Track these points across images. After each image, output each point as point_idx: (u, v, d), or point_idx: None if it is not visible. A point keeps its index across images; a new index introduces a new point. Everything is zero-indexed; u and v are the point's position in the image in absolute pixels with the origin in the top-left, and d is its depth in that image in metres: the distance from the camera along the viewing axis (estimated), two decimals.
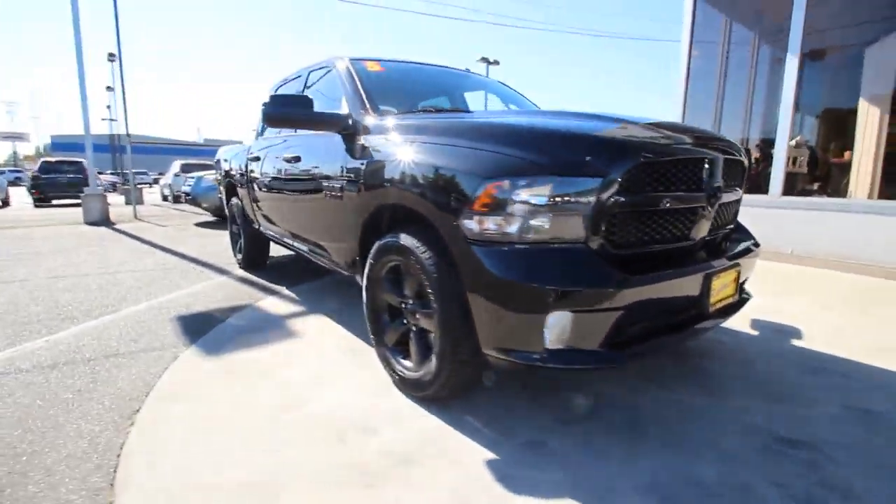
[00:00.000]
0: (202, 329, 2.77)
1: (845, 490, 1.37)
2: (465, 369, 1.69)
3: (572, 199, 1.41)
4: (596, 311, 1.41)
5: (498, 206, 1.45)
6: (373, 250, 2.02)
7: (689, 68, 5.65)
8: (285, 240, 3.39)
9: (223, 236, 6.90)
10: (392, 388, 2.01)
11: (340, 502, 1.34)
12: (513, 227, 1.45)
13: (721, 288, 1.71)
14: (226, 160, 4.60)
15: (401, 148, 1.89)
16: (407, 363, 1.93)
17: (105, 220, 8.50)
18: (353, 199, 2.14)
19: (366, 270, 2.09)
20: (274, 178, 3.17)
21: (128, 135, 10.51)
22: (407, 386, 1.91)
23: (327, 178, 2.35)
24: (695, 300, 1.64)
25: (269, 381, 2.09)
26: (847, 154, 5.01)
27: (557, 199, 1.41)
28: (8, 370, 2.21)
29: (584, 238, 1.44)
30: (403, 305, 1.96)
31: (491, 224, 1.47)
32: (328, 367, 2.25)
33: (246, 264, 4.38)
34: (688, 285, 1.60)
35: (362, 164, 2.07)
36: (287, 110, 2.27)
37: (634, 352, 1.50)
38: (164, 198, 16.67)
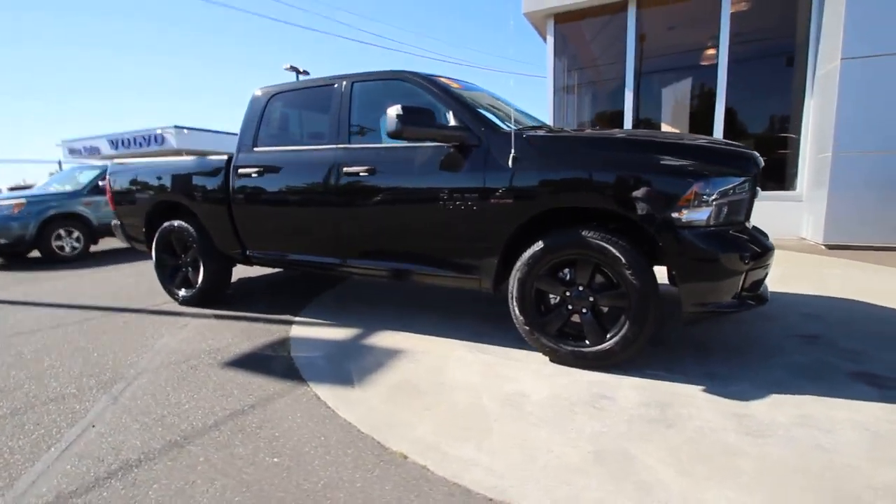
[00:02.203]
0: (280, 368, 2.42)
1: (856, 352, 2.39)
2: (653, 330, 2.17)
3: (740, 192, 2.06)
4: (761, 268, 2.10)
5: (700, 201, 1.99)
6: (534, 250, 2.27)
7: (554, 96, 7.09)
8: (311, 259, 3.09)
9: (61, 278, 5.33)
10: (560, 367, 2.31)
11: (677, 440, 1.67)
12: (708, 215, 2.01)
13: None
14: (152, 177, 3.70)
15: (578, 159, 2.21)
16: (585, 342, 2.27)
17: None
18: (503, 207, 2.32)
19: (519, 271, 2.32)
20: (317, 194, 2.88)
21: None
22: (588, 360, 2.25)
23: (456, 189, 2.42)
24: None
25: (453, 389, 2.12)
26: None
27: (734, 192, 2.04)
28: (134, 458, 1.62)
29: (743, 219, 2.12)
30: (568, 294, 2.29)
31: (692, 215, 2.00)
32: (481, 367, 2.36)
33: (200, 299, 3.64)
34: None
35: (518, 174, 2.28)
36: (419, 122, 2.30)
37: (762, 295, 2.24)
38: None
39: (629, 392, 2.05)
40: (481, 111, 2.55)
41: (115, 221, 4.14)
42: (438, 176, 2.49)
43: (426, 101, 2.64)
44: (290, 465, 1.60)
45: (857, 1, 4.56)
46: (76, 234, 6.61)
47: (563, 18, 6.81)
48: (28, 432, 1.86)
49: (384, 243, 2.79)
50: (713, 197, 2.01)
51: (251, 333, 3.00)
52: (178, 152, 26.32)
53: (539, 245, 2.28)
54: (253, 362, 2.53)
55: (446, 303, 3.55)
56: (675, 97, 6.89)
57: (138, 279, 4.98)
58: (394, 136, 2.31)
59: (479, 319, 3.13)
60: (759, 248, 2.07)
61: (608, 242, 2.12)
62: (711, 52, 7.14)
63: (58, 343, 2.93)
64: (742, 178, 2.08)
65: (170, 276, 3.81)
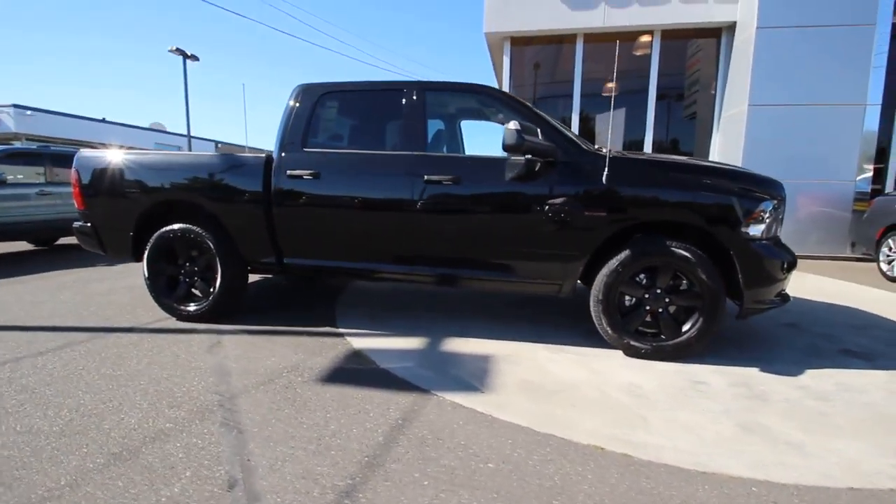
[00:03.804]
0: (386, 380, 2.37)
1: (830, 335, 3.17)
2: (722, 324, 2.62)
3: (780, 212, 2.63)
4: (791, 273, 2.69)
5: (760, 219, 2.50)
6: (622, 258, 2.58)
7: None
8: (370, 266, 3.00)
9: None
10: (636, 360, 2.65)
11: (780, 409, 2.10)
12: (763, 230, 2.53)
13: None
14: (154, 171, 3.17)
15: (671, 181, 2.56)
16: (661, 337, 2.64)
17: None
18: (596, 219, 2.58)
19: (607, 276, 2.62)
20: (393, 201, 2.83)
21: None
22: (666, 352, 2.63)
23: (550, 201, 2.61)
24: None
25: (574, 385, 2.32)
26: None
27: (777, 211, 2.59)
28: (341, 484, 1.49)
29: (778, 234, 2.69)
30: (647, 296, 2.65)
31: (754, 230, 2.50)
32: (574, 365, 2.60)
33: (212, 313, 3.24)
34: None
35: (614, 191, 2.56)
36: (527, 139, 2.46)
37: (787, 294, 2.82)
38: None
39: (713, 377, 2.46)
40: (566, 131, 2.80)
41: (79, 223, 3.43)
42: (531, 187, 2.67)
43: (505, 117, 2.79)
44: (509, 468, 1.65)
45: (762, 60, 5.85)
46: None
47: (518, 42, 7.36)
48: (169, 477, 1.58)
49: (464, 252, 2.85)
50: (766, 215, 2.54)
51: (308, 348, 2.81)
52: (15, 137, 21.52)
53: (627, 253, 2.59)
54: (349, 377, 2.41)
55: (481, 307, 3.69)
56: (606, 123, 7.92)
57: (71, 293, 4.15)
58: (511, 149, 2.43)
59: (530, 322, 3.34)
60: (794, 257, 2.66)
61: (688, 251, 2.52)
62: (610, 85, 8.37)
63: (70, 373, 2.40)
64: (780, 200, 2.65)
65: (167, 289, 3.31)
